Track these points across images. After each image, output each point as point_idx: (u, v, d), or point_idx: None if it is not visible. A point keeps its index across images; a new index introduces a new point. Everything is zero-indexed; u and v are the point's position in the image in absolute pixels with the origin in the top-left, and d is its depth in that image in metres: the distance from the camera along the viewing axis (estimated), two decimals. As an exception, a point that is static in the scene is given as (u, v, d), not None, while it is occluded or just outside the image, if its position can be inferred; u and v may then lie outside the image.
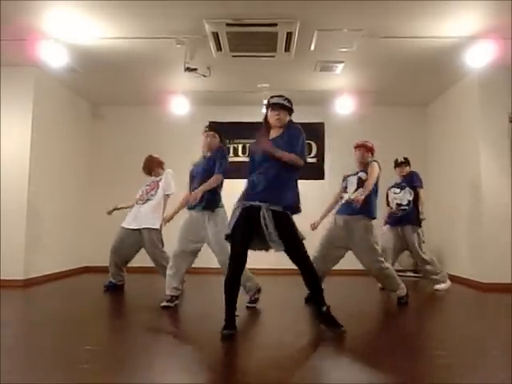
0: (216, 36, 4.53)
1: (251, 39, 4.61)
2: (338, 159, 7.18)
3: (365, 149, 4.55)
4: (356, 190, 4.32)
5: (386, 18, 4.32)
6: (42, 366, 2.47)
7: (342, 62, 5.35)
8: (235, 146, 7.38)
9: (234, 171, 7.20)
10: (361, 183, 4.33)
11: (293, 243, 3.11)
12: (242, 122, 7.29)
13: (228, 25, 4.32)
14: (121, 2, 4.06)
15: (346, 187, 4.53)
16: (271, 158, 3.17)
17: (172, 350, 2.89)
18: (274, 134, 3.36)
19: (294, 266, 3.20)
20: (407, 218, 5.33)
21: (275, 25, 4.32)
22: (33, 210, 5.58)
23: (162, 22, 4.44)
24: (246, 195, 3.21)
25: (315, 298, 3.22)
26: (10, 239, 5.36)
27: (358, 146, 4.60)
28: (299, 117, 7.59)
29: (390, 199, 5.52)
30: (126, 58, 5.30)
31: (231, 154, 7.31)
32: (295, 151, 3.22)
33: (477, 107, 5.58)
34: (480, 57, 4.66)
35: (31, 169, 5.56)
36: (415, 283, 5.91)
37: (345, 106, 6.55)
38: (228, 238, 3.17)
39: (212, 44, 4.72)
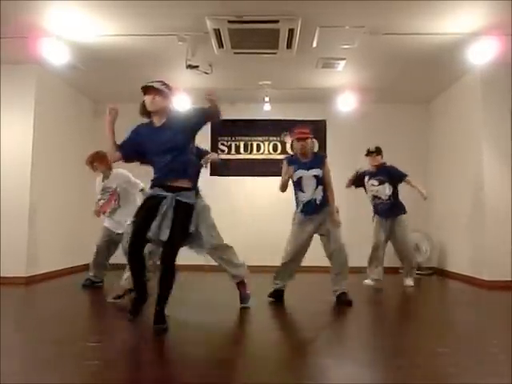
0: (218, 33, 4.53)
1: (253, 36, 4.60)
2: (340, 156, 7.17)
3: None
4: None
5: (387, 14, 4.30)
6: (43, 363, 2.48)
7: (344, 58, 5.34)
8: (237, 143, 7.37)
9: (236, 169, 7.29)
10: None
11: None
12: (243, 120, 7.29)
13: (230, 22, 4.32)
14: (122, 0, 4.05)
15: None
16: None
17: (174, 344, 2.90)
18: (157, 123, 3.23)
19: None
20: (397, 209, 5.36)
21: (277, 22, 4.30)
22: (35, 208, 5.59)
23: (164, 19, 4.43)
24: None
25: (160, 296, 3.07)
26: (12, 236, 5.37)
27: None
28: (301, 114, 7.67)
29: (367, 187, 5.51)
30: (127, 55, 5.30)
31: (233, 152, 7.32)
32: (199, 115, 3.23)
33: (479, 104, 5.57)
34: (482, 54, 4.64)
35: (33, 166, 5.57)
36: (418, 281, 5.89)
37: (347, 104, 6.54)
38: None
39: (214, 41, 4.71)
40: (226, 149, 7.36)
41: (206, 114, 3.23)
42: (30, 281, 5.36)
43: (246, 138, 7.35)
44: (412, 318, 3.90)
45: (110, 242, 5.06)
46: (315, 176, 4.20)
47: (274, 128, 7.32)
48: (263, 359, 2.60)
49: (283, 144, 7.37)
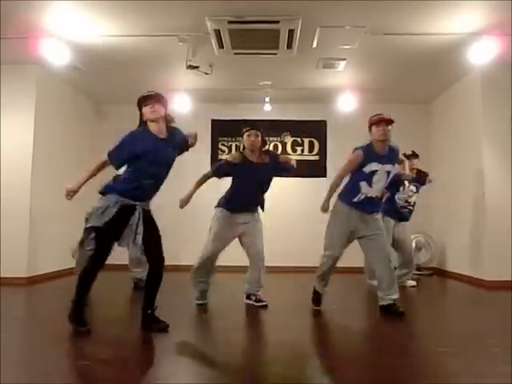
0: (218, 33, 4.53)
1: (253, 36, 4.60)
2: (340, 157, 7.16)
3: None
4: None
5: (388, 15, 4.30)
6: (43, 364, 2.49)
7: (345, 59, 5.34)
8: (237, 144, 7.37)
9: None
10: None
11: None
12: (243, 120, 7.28)
13: (230, 22, 4.32)
14: (123, 0, 4.06)
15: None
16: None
17: (174, 345, 2.90)
18: (159, 133, 3.17)
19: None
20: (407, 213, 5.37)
21: (277, 22, 4.31)
22: (35, 208, 5.60)
23: (164, 20, 4.44)
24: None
25: (148, 301, 3.17)
26: (13, 237, 5.38)
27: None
28: (301, 114, 7.67)
29: (403, 191, 5.25)
30: (128, 55, 5.31)
31: (233, 152, 7.31)
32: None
33: (479, 104, 5.57)
34: (483, 54, 4.64)
35: (34, 166, 5.58)
36: (417, 281, 5.89)
37: (347, 104, 6.54)
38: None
39: (214, 41, 4.71)
40: (226, 149, 7.36)
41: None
42: (30, 281, 5.37)
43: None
44: (412, 317, 3.90)
45: None
46: (388, 172, 3.73)
47: (275, 128, 7.32)
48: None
49: (283, 144, 7.37)
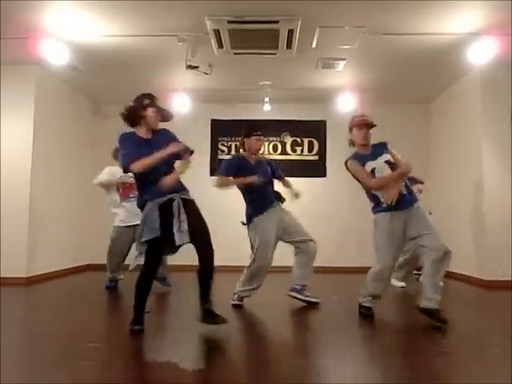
0: (217, 33, 4.53)
1: (253, 36, 4.60)
2: (340, 157, 7.17)
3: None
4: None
5: (387, 14, 4.30)
6: (43, 364, 2.48)
7: (344, 59, 5.34)
8: (237, 143, 7.36)
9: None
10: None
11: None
12: (243, 120, 7.29)
13: (229, 22, 4.32)
14: (122, 0, 4.06)
15: None
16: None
17: (174, 345, 2.90)
18: (145, 135, 3.19)
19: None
20: None
21: (277, 22, 4.31)
22: (35, 208, 5.60)
23: (164, 20, 4.43)
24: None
25: (203, 296, 3.08)
26: (12, 236, 5.37)
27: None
28: (301, 114, 7.67)
29: None
30: (127, 55, 5.30)
31: (233, 152, 7.32)
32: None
33: (479, 104, 5.57)
34: (482, 53, 4.64)
35: (33, 166, 5.57)
36: (417, 281, 5.89)
37: (347, 104, 6.54)
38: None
39: (213, 41, 4.71)
40: (226, 149, 7.36)
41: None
42: (30, 281, 5.36)
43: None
44: (412, 317, 3.90)
45: (120, 242, 5.02)
46: (387, 162, 3.56)
47: (274, 128, 7.33)
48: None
49: (283, 144, 7.36)
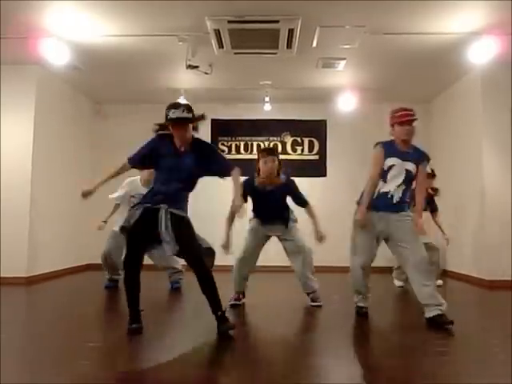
0: (218, 33, 4.53)
1: (253, 36, 4.60)
2: (341, 156, 7.18)
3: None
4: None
5: (388, 14, 4.30)
6: (43, 363, 2.49)
7: (344, 58, 5.33)
8: (237, 143, 7.37)
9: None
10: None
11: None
12: (243, 120, 7.30)
13: (230, 22, 4.32)
14: (123, 0, 4.06)
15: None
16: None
17: (174, 345, 2.90)
18: (181, 147, 3.15)
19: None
20: None
21: (277, 21, 4.31)
22: (35, 208, 5.60)
23: (164, 20, 4.44)
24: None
25: (211, 304, 3.06)
26: (12, 236, 5.38)
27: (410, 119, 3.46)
28: (301, 114, 7.66)
29: None
30: (128, 55, 5.30)
31: (233, 152, 7.32)
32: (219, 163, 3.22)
33: (479, 103, 5.57)
34: (483, 53, 4.64)
35: (33, 166, 5.58)
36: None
37: (347, 103, 6.54)
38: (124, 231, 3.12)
39: (214, 41, 4.71)
40: (226, 149, 7.36)
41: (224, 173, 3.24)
42: (30, 281, 5.37)
43: (247, 138, 7.35)
44: (411, 317, 3.90)
45: (117, 247, 5.01)
46: (407, 171, 3.44)
47: (275, 128, 7.33)
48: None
49: (283, 144, 7.36)
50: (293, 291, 4.44)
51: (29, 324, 3.53)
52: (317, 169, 7.25)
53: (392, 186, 3.46)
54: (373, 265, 3.65)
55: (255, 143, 7.36)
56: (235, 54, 5.03)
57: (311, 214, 4.16)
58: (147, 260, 5.21)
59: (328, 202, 7.12)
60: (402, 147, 3.47)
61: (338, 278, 5.10)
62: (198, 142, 3.20)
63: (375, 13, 4.27)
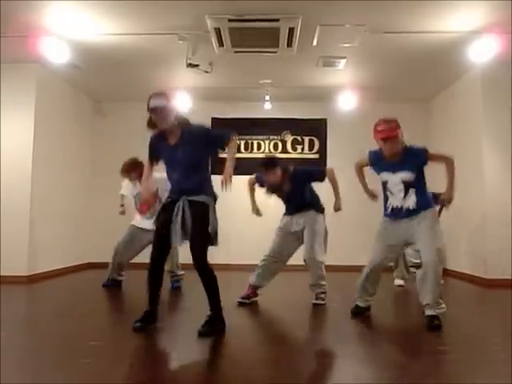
0: (218, 32, 4.53)
1: (253, 35, 4.60)
2: (341, 155, 7.17)
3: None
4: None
5: (388, 13, 4.30)
6: (45, 362, 2.49)
7: (345, 57, 5.33)
8: (237, 142, 7.36)
9: (236, 167, 7.27)
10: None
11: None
12: (244, 118, 7.29)
13: (230, 20, 4.31)
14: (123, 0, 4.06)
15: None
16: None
17: (174, 343, 2.91)
18: (171, 139, 3.17)
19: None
20: None
21: (277, 20, 4.30)
22: (36, 206, 5.60)
23: (164, 18, 4.43)
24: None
25: (209, 301, 3.08)
26: (13, 235, 5.38)
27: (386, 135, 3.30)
28: (301, 113, 7.65)
29: None
30: (128, 54, 5.30)
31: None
32: (215, 139, 3.23)
33: (479, 102, 5.57)
34: (483, 52, 4.64)
35: (34, 165, 5.58)
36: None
37: (347, 102, 6.54)
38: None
39: (214, 40, 4.71)
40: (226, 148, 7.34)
41: (223, 145, 3.24)
42: (31, 279, 5.37)
43: (247, 137, 7.35)
44: (412, 316, 3.91)
45: (133, 242, 4.98)
46: (405, 182, 3.36)
47: (275, 127, 7.32)
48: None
49: (284, 143, 7.36)
50: (294, 289, 4.45)
51: (30, 322, 3.54)
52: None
53: (399, 200, 3.39)
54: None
55: (255, 142, 7.36)
56: (235, 52, 5.03)
57: (332, 180, 4.29)
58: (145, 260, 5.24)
59: (328, 202, 7.11)
60: (391, 159, 3.37)
61: (339, 278, 5.11)
62: (187, 130, 3.16)
63: (375, 11, 4.26)
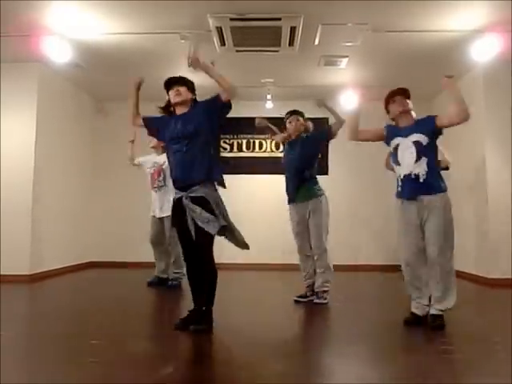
0: (220, 31, 4.53)
1: (255, 34, 4.60)
2: (342, 155, 7.17)
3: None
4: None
5: (390, 12, 4.29)
6: (46, 361, 2.49)
7: (347, 56, 5.33)
8: (239, 141, 7.37)
9: (238, 167, 7.28)
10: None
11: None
12: (246, 117, 7.28)
13: (232, 19, 4.32)
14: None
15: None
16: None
17: (175, 342, 2.91)
18: (179, 112, 3.26)
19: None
20: None
21: (279, 19, 4.31)
22: (37, 206, 5.61)
23: (166, 18, 4.43)
24: None
25: (205, 296, 3.08)
26: (15, 234, 5.39)
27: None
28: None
29: None
30: (129, 53, 5.30)
31: (235, 150, 7.31)
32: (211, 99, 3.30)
33: (482, 101, 5.56)
34: (485, 51, 4.63)
35: (36, 163, 5.58)
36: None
37: (349, 101, 6.52)
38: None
39: (216, 39, 4.71)
40: (228, 147, 7.36)
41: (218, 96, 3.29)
42: (33, 278, 5.38)
43: (249, 136, 7.35)
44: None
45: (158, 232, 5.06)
46: (415, 143, 3.25)
47: (277, 125, 7.31)
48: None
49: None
50: (295, 289, 4.45)
51: (31, 321, 3.55)
52: (318, 167, 7.22)
53: (409, 165, 3.24)
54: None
55: (257, 141, 7.36)
56: (237, 51, 5.03)
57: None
58: (146, 259, 5.25)
59: (330, 201, 7.11)
60: (404, 125, 3.39)
61: (343, 277, 5.11)
62: (196, 104, 3.30)
63: (377, 11, 4.26)
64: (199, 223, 2.95)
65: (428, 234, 3.19)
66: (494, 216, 5.34)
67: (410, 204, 3.24)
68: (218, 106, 3.25)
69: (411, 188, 3.22)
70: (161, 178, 5.01)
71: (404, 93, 3.49)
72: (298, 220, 4.19)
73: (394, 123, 3.54)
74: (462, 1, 4.05)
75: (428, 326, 3.18)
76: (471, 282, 5.50)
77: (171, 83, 3.25)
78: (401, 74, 6.03)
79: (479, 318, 3.78)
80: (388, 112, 3.54)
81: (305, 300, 4.14)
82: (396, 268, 5.58)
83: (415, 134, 3.26)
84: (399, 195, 3.32)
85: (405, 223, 3.27)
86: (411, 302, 3.34)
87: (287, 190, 4.27)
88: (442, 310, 3.21)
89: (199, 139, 3.11)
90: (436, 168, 3.34)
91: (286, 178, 4.30)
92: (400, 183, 3.31)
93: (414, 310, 3.31)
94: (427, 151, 3.25)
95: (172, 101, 3.24)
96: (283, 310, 4.03)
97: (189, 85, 3.28)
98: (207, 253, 3.06)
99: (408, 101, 3.45)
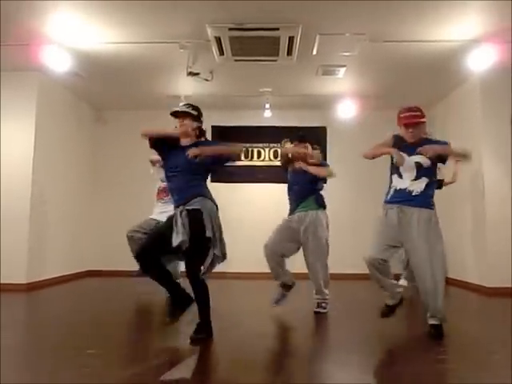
0: (218, 40, 4.56)
1: (253, 43, 4.63)
2: (340, 163, 7.18)
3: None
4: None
5: (388, 22, 4.33)
6: (43, 370, 2.48)
7: (344, 66, 5.36)
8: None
9: (235, 175, 7.29)
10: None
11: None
12: (244, 126, 7.32)
13: (230, 29, 4.35)
14: (124, 7, 4.08)
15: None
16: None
17: (175, 349, 2.90)
18: (184, 143, 3.27)
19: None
20: None
21: (277, 29, 4.34)
22: (36, 214, 5.60)
23: (165, 27, 4.46)
24: None
25: (198, 310, 3.09)
26: (12, 243, 5.37)
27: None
28: (301, 121, 7.67)
29: None
30: (129, 62, 5.33)
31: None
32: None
33: (479, 110, 5.59)
34: (482, 60, 4.66)
35: (34, 172, 5.58)
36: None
37: (347, 110, 6.56)
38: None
39: (214, 48, 4.74)
40: (226, 155, 7.36)
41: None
42: (30, 287, 5.35)
43: (247, 145, 7.37)
44: (411, 323, 3.89)
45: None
46: (418, 164, 3.28)
47: (275, 135, 7.33)
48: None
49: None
50: (296, 298, 4.44)
51: (28, 330, 3.52)
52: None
53: (406, 182, 3.30)
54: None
55: (256, 150, 7.38)
56: (236, 61, 5.06)
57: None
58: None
59: (328, 209, 7.12)
60: (411, 141, 3.36)
61: (340, 285, 5.10)
62: (201, 141, 3.31)
63: (375, 20, 4.29)
64: (174, 233, 3.00)
65: (411, 243, 3.25)
66: (492, 226, 5.34)
67: (392, 209, 3.32)
68: (222, 162, 3.42)
69: (401, 198, 3.31)
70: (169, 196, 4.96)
71: (418, 123, 3.42)
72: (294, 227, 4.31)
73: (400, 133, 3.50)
74: (458, 11, 4.09)
75: (427, 335, 3.18)
76: (469, 291, 5.49)
77: (175, 115, 3.32)
78: (398, 84, 6.07)
79: (477, 327, 3.77)
80: (400, 128, 3.48)
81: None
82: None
83: (420, 156, 3.27)
84: (387, 202, 3.39)
85: (385, 225, 3.33)
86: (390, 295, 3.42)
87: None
88: (440, 319, 3.20)
89: (198, 170, 3.21)
90: (433, 188, 3.43)
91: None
92: (392, 193, 3.38)
93: (386, 301, 3.45)
94: (427, 173, 3.32)
95: (178, 131, 3.30)
96: (282, 319, 4.01)
97: (192, 114, 3.29)
98: (197, 266, 3.06)
99: (422, 120, 3.43)
